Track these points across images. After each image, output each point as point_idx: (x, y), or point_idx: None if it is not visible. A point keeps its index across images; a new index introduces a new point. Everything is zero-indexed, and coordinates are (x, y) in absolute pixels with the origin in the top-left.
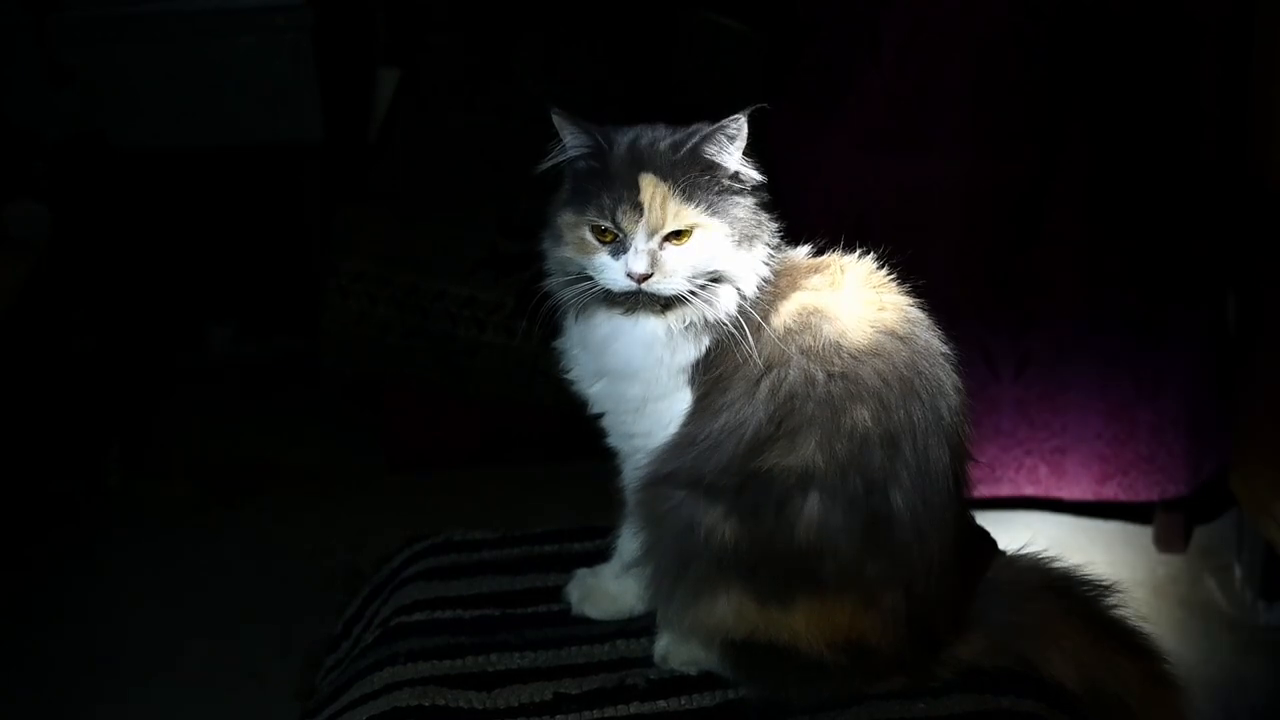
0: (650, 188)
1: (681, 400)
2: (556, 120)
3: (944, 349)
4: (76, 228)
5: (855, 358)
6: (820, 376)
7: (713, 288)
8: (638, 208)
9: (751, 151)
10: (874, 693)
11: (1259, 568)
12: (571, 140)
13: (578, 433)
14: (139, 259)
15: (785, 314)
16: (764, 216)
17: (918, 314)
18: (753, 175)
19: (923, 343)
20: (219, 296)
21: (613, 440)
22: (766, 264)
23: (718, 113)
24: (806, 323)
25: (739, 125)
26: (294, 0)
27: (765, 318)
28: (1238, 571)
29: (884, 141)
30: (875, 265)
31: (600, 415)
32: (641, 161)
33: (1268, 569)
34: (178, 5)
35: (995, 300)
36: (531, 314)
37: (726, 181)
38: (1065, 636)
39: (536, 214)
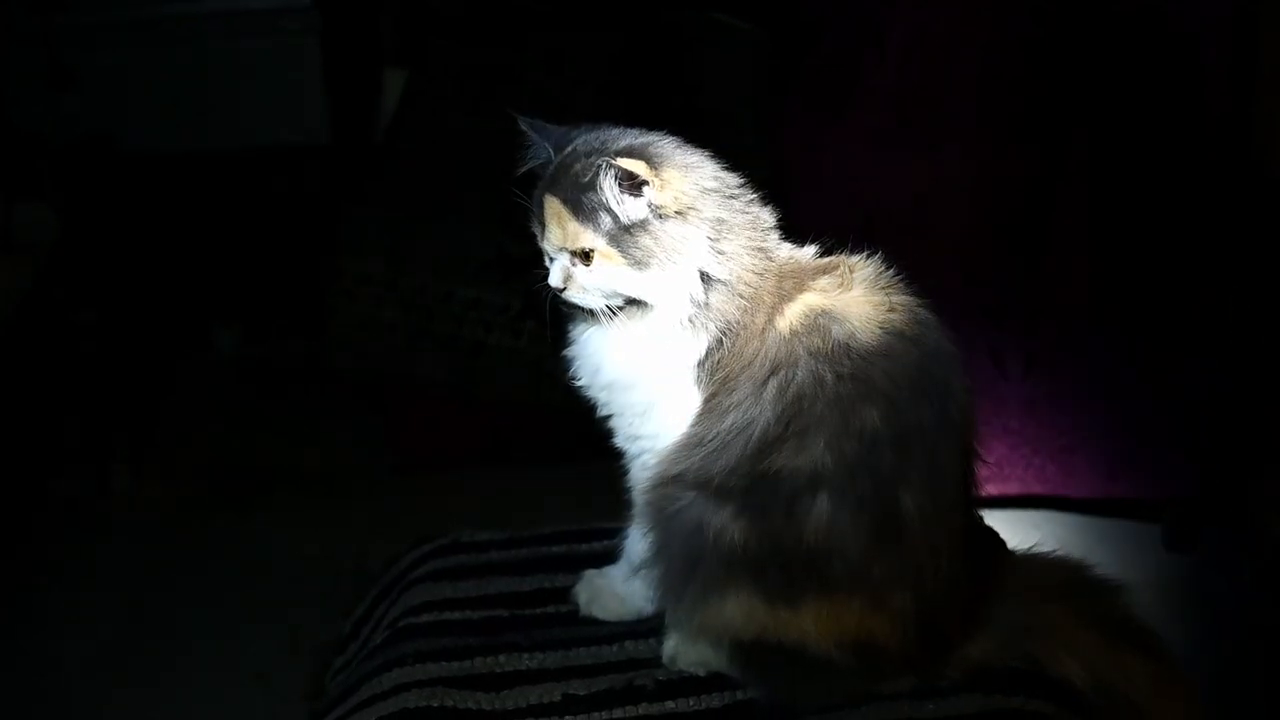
0: (551, 207)
1: (688, 401)
2: (523, 126)
3: (952, 350)
4: (83, 230)
5: (864, 359)
6: (829, 377)
7: (633, 309)
8: (543, 224)
9: (759, 151)
10: (883, 693)
11: (1268, 567)
12: (535, 148)
13: (585, 433)
14: (145, 261)
15: (792, 315)
16: (699, 236)
17: (927, 315)
18: (666, 205)
19: (931, 344)
20: (225, 298)
21: (620, 441)
22: (723, 281)
23: (725, 114)
24: (814, 324)
25: (628, 171)
26: (301, 3)
27: (770, 320)
28: (1246, 571)
29: (890, 141)
30: (883, 266)
31: (608, 416)
32: (551, 179)
33: (1276, 568)
34: (184, 8)
35: (1002, 299)
36: (539, 315)
37: (627, 214)
38: (1074, 636)
39: None
